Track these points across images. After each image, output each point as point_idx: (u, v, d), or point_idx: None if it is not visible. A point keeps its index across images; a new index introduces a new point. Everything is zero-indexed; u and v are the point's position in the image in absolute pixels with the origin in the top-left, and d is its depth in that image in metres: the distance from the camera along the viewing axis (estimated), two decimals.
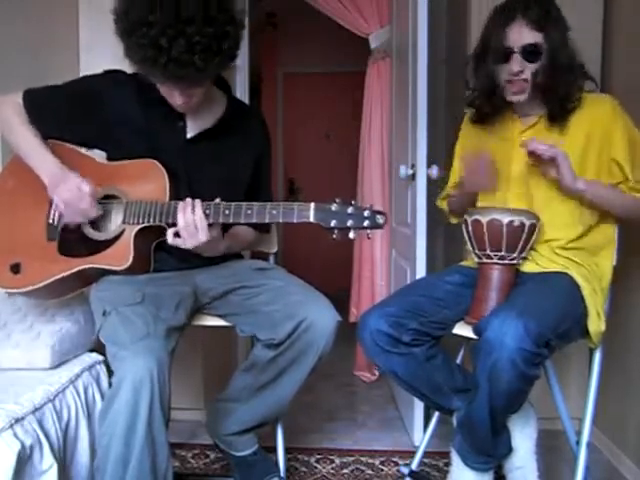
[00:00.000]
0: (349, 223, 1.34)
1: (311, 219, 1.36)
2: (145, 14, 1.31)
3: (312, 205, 1.36)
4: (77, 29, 2.23)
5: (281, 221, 1.40)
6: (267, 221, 1.41)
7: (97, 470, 1.33)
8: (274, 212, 1.39)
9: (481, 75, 1.60)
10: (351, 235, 1.36)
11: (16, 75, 1.93)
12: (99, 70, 1.64)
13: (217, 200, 1.44)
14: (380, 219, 1.35)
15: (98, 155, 1.65)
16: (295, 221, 1.38)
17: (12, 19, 1.92)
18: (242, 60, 2.45)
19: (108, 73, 1.62)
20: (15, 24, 1.94)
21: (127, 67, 1.63)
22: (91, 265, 1.51)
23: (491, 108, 1.62)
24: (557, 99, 1.52)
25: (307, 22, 4.27)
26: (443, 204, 1.89)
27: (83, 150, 1.65)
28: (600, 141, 1.53)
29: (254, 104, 3.74)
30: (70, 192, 1.48)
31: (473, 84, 1.65)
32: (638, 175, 1.51)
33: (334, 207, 1.35)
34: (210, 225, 1.42)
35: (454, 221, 1.88)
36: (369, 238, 1.43)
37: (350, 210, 1.35)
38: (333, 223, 1.35)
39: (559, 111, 1.54)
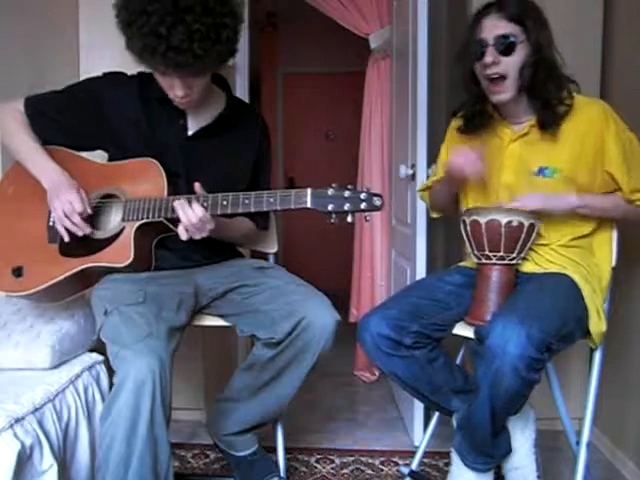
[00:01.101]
0: (346, 207, 1.35)
1: (308, 204, 1.37)
2: (144, 4, 1.34)
3: (309, 191, 1.37)
4: (77, 29, 2.23)
5: (279, 208, 1.40)
6: (265, 209, 1.42)
7: (98, 470, 1.33)
8: (271, 200, 1.40)
9: (465, 79, 1.57)
10: (349, 219, 1.36)
11: (16, 75, 1.93)
12: (99, 70, 1.65)
13: (197, 185, 1.44)
14: (377, 201, 1.36)
15: (98, 155, 1.65)
16: (293, 207, 1.38)
17: (12, 19, 1.92)
18: (242, 60, 2.45)
19: (108, 75, 1.63)
20: (15, 24, 1.94)
21: (127, 67, 1.64)
22: (93, 264, 1.51)
23: (479, 116, 1.60)
24: (546, 102, 1.49)
25: (307, 22, 4.27)
26: (425, 196, 1.88)
27: (83, 154, 1.66)
28: (593, 149, 1.50)
29: (254, 104, 3.74)
30: (62, 206, 1.48)
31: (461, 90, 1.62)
32: (632, 184, 1.49)
33: (330, 192, 1.36)
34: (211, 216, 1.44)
35: (434, 216, 1.87)
36: (367, 221, 1.44)
37: (347, 194, 1.35)
38: (330, 207, 1.35)
39: (550, 117, 1.50)
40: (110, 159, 1.63)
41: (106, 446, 1.29)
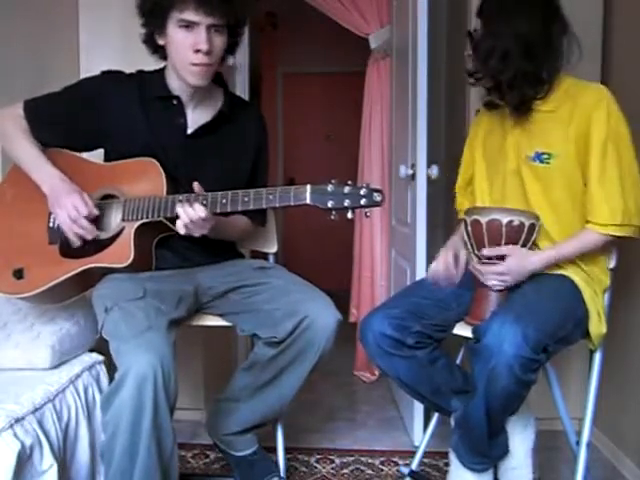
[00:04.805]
0: (346, 203, 1.33)
1: (308, 201, 1.35)
2: None
3: (308, 187, 1.36)
4: (77, 29, 2.23)
5: (278, 205, 1.39)
6: (264, 206, 1.41)
7: (102, 455, 1.34)
8: (271, 197, 1.39)
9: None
10: (349, 215, 1.35)
11: (16, 75, 1.93)
12: (99, 70, 1.64)
13: (195, 185, 1.44)
14: (377, 197, 1.34)
15: (97, 155, 1.65)
16: (292, 204, 1.37)
17: (13, 19, 1.92)
18: (242, 60, 2.45)
19: (106, 74, 1.62)
20: (16, 24, 1.94)
21: (127, 67, 1.64)
22: (94, 265, 1.51)
23: (490, 103, 1.63)
24: (504, 87, 1.50)
25: (307, 22, 4.27)
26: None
27: (84, 154, 1.66)
28: (581, 133, 1.46)
29: (253, 103, 3.74)
30: (67, 212, 1.48)
31: None
32: (605, 186, 1.44)
33: (330, 188, 1.34)
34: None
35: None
36: (367, 216, 1.41)
37: (347, 190, 1.34)
38: (330, 204, 1.34)
39: (517, 103, 1.51)
40: (108, 158, 1.62)
41: (110, 435, 1.30)
